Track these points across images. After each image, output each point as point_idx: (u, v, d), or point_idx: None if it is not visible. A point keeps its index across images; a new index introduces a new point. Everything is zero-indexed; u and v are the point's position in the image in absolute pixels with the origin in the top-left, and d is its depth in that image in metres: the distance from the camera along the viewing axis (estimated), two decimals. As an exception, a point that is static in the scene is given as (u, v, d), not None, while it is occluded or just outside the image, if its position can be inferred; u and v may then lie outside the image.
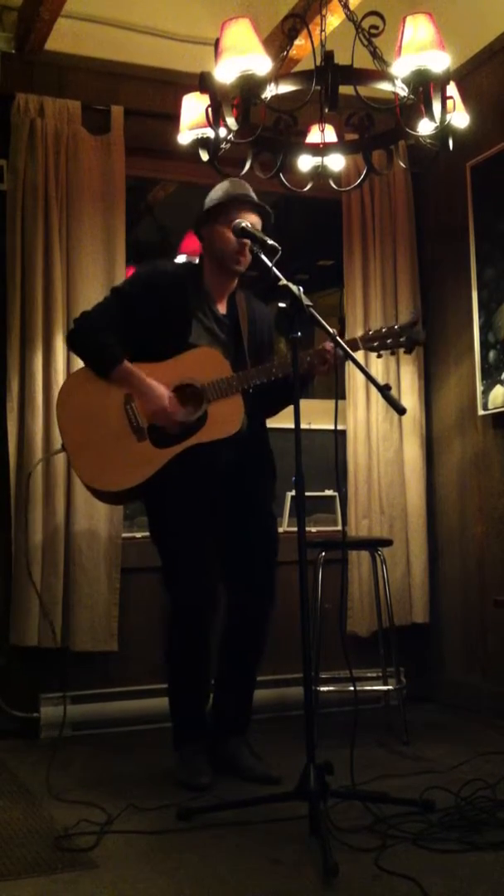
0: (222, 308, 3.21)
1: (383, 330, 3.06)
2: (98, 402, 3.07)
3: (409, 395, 4.37)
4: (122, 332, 3.08)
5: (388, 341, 3.03)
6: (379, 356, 3.12)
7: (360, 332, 3.38)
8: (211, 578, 3.07)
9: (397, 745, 3.48)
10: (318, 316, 2.71)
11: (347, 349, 2.78)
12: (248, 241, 3.04)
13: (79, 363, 3.31)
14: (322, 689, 3.57)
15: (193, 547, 3.05)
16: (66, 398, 3.15)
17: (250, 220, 3.06)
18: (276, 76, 2.64)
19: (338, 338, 2.75)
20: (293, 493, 3.65)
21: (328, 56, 2.63)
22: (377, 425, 4.32)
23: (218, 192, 3.16)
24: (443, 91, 2.58)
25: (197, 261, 3.28)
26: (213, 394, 3.02)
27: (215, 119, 2.66)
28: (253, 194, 3.13)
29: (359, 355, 2.91)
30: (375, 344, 3.05)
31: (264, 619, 3.16)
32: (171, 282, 3.15)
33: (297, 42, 2.85)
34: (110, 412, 3.05)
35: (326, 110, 2.68)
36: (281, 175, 2.84)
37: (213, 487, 3.08)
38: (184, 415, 3.02)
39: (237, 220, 3.02)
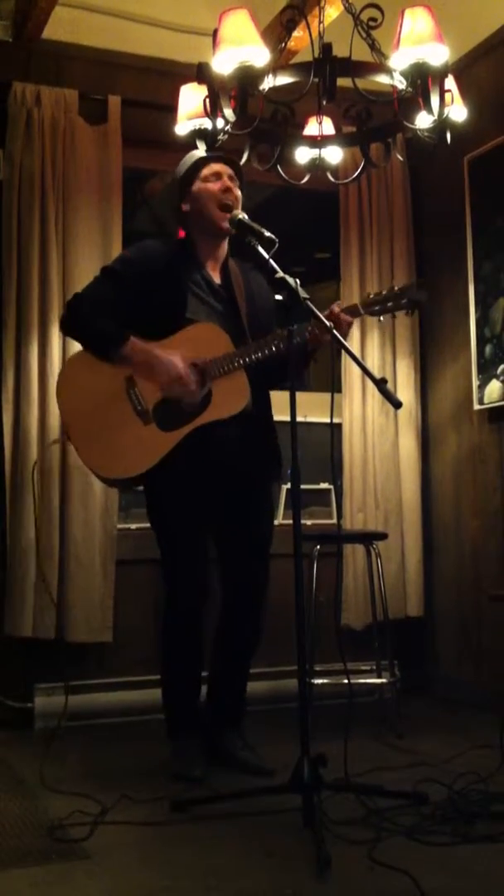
0: (217, 277, 3.16)
1: (384, 293, 2.99)
2: (99, 389, 3.01)
3: (405, 389, 4.37)
4: (118, 312, 3.02)
5: (389, 304, 2.94)
6: (380, 321, 3.06)
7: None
8: (205, 567, 3.07)
9: (391, 738, 3.49)
10: (314, 308, 2.69)
11: (344, 343, 2.74)
12: (229, 184, 3.06)
13: (75, 351, 3.26)
14: (316, 681, 3.57)
15: (192, 535, 3.04)
16: (65, 387, 3.10)
17: (224, 172, 3.08)
18: (274, 68, 2.63)
19: (334, 331, 2.72)
20: (289, 485, 3.66)
21: (326, 48, 2.62)
22: (373, 419, 4.32)
23: (181, 166, 3.17)
24: (441, 84, 2.57)
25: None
26: (215, 371, 2.97)
27: (213, 110, 2.65)
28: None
29: (355, 350, 2.90)
30: (377, 308, 2.96)
31: (257, 610, 3.15)
32: (161, 258, 3.10)
33: (295, 34, 2.84)
34: (112, 398, 3.00)
35: (324, 102, 2.66)
36: (278, 167, 2.83)
37: (218, 470, 3.04)
38: (197, 384, 2.96)
39: (234, 212, 3.02)
